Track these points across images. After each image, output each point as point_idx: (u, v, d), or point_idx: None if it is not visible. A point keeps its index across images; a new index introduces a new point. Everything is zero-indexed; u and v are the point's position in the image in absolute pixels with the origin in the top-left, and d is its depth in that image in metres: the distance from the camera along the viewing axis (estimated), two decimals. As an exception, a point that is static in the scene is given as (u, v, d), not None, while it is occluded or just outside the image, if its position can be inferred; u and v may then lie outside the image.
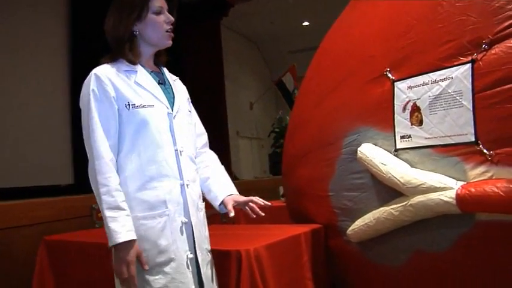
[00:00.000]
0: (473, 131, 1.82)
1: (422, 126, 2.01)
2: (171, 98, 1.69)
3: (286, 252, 2.15)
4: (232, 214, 1.72)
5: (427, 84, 2.00)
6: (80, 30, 4.91)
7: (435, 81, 1.97)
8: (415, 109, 2.04)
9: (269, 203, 1.80)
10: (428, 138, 1.98)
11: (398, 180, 1.98)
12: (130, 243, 1.48)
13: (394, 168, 2.02)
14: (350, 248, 2.36)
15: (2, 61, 4.31)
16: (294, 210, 2.92)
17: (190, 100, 1.88)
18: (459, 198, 1.79)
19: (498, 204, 1.70)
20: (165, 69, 1.80)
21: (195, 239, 1.62)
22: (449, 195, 1.82)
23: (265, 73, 11.18)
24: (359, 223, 2.23)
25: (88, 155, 1.56)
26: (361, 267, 2.36)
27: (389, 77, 2.17)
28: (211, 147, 1.97)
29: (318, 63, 2.89)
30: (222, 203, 1.79)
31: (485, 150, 1.79)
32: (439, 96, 1.94)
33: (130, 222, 1.50)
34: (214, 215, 2.35)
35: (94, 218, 3.05)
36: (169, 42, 1.70)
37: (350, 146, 2.32)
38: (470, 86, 1.83)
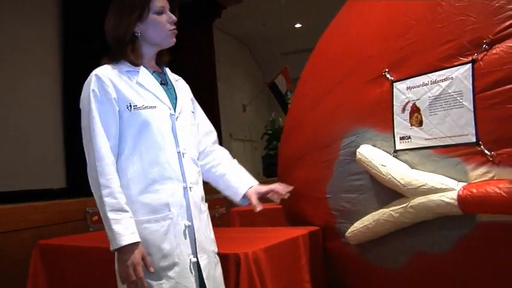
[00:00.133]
0: (474, 132, 1.81)
1: (422, 127, 1.99)
2: (173, 99, 1.66)
3: (284, 255, 2.13)
4: (259, 209, 1.72)
5: (426, 84, 1.98)
6: (72, 30, 4.86)
7: (435, 82, 1.95)
8: (415, 110, 2.02)
9: (290, 188, 1.83)
10: (429, 139, 1.96)
11: (399, 182, 1.97)
12: (134, 245, 1.45)
13: (394, 169, 2.00)
14: (348, 250, 2.34)
15: (-10, 62, 4.26)
16: (291, 212, 2.89)
17: (194, 99, 1.86)
18: (461, 199, 1.78)
19: (500, 205, 1.68)
20: (167, 69, 1.77)
21: (197, 243, 1.59)
22: (450, 197, 1.80)
23: (257, 75, 11.17)
24: (358, 225, 2.21)
25: (87, 156, 1.53)
26: (360, 269, 2.34)
27: (388, 78, 2.16)
28: None
29: (313, 64, 2.87)
30: (245, 196, 1.78)
31: (486, 151, 1.78)
32: (439, 97, 1.93)
33: (134, 225, 1.47)
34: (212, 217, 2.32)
35: (88, 222, 3.02)
36: (173, 41, 1.67)
37: (348, 147, 2.30)
38: (470, 87, 1.82)
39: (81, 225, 3.17)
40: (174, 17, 1.65)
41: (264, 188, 1.80)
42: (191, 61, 7.59)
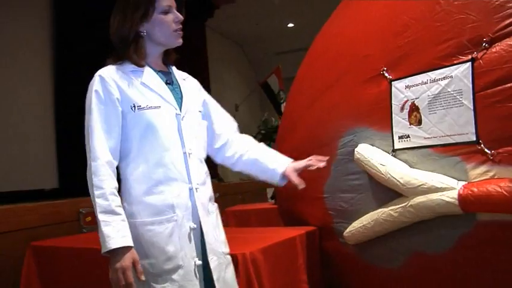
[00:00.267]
0: (474, 130, 1.80)
1: (421, 126, 1.98)
2: (179, 99, 1.63)
3: (281, 255, 2.12)
4: (302, 186, 1.68)
5: (425, 83, 1.97)
6: (64, 32, 4.82)
7: (434, 80, 1.94)
8: (414, 109, 2.01)
9: (326, 158, 1.81)
10: (428, 138, 1.95)
11: (398, 181, 1.95)
12: (125, 249, 1.40)
13: (393, 168, 1.99)
14: (346, 250, 2.33)
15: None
16: (287, 212, 2.88)
17: (206, 94, 1.82)
18: (461, 198, 1.77)
19: (502, 204, 1.68)
20: (174, 68, 1.74)
21: (207, 245, 1.55)
22: (451, 196, 1.79)
23: (250, 75, 11.14)
24: (356, 225, 2.20)
25: (87, 157, 1.50)
26: (358, 269, 2.33)
27: (386, 77, 2.15)
28: None
29: (309, 63, 2.86)
30: (284, 176, 1.75)
31: (486, 150, 1.77)
32: (439, 96, 1.92)
33: (126, 228, 1.43)
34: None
35: (81, 223, 2.98)
36: (179, 41, 1.64)
37: (346, 146, 2.28)
38: (470, 85, 1.81)
39: (74, 226, 3.12)
40: (180, 16, 1.62)
41: (302, 164, 1.77)
42: (183, 61, 7.56)
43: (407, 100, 2.04)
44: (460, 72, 1.85)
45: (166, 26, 1.58)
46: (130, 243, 1.41)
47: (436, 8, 2.00)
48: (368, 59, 2.27)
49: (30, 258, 2.53)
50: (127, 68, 1.57)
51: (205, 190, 1.62)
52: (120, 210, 1.44)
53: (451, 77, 1.88)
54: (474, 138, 1.80)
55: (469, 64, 1.83)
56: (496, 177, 1.75)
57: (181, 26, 1.62)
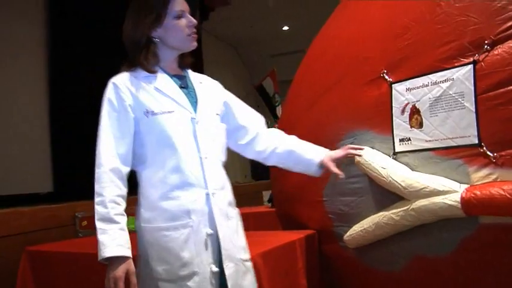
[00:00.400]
0: (476, 133, 1.79)
1: (422, 129, 1.97)
2: (194, 102, 1.60)
3: (281, 259, 2.10)
4: (342, 176, 1.67)
5: (426, 86, 1.96)
6: (58, 35, 4.79)
7: (435, 83, 1.93)
8: (415, 111, 2.00)
9: (362, 148, 1.84)
10: (429, 140, 1.94)
11: (400, 184, 1.94)
12: (120, 258, 1.38)
13: (395, 171, 1.97)
14: (346, 254, 2.31)
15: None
16: (285, 215, 2.86)
17: (228, 94, 1.80)
18: (464, 201, 1.75)
19: (505, 207, 1.66)
20: (190, 72, 1.72)
21: (222, 251, 1.51)
22: (453, 199, 1.78)
23: (245, 77, 11.13)
24: (357, 228, 2.18)
25: None
26: (358, 272, 2.31)
27: (386, 79, 2.13)
28: None
29: (308, 65, 2.85)
30: (321, 166, 1.75)
31: (489, 153, 1.76)
32: (440, 98, 1.91)
33: (124, 237, 1.41)
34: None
35: (77, 227, 2.94)
36: (194, 45, 1.62)
37: (346, 149, 2.26)
38: (472, 88, 1.80)
39: (70, 230, 3.09)
40: (194, 21, 1.60)
41: (340, 153, 1.75)
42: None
43: (408, 103, 2.03)
44: (462, 75, 1.84)
45: (179, 30, 1.56)
46: (125, 252, 1.39)
47: (436, 10, 1.99)
48: (368, 61, 2.26)
49: (25, 263, 2.50)
50: (140, 73, 1.56)
51: (224, 195, 1.59)
52: (120, 218, 1.42)
53: (453, 79, 1.87)
54: (476, 141, 1.79)
55: (470, 66, 1.82)
56: (498, 180, 1.74)
57: (195, 30, 1.60)
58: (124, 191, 1.47)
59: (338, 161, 1.74)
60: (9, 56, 4.32)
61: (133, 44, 1.56)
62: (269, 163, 1.84)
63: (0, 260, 2.82)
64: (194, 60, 1.71)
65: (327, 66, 2.57)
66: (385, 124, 2.11)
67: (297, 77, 2.91)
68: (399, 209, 1.97)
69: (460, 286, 1.94)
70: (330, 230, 2.38)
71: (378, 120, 2.15)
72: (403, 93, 2.05)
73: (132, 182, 1.54)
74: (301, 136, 2.57)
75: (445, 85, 1.90)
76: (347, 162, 2.24)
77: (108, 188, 1.43)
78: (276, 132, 1.87)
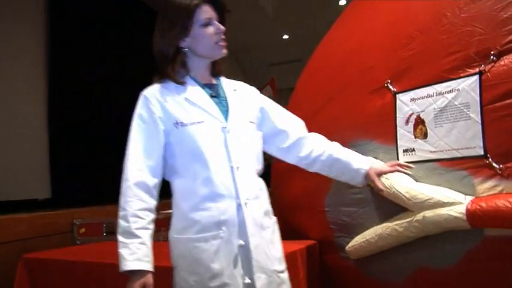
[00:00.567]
0: (481, 144, 1.77)
1: (427, 140, 1.95)
2: (225, 111, 1.58)
3: (282, 270, 2.06)
4: (384, 190, 1.76)
5: (431, 96, 1.94)
6: (57, 38, 4.79)
7: (440, 93, 1.91)
8: (419, 122, 1.98)
9: (412, 167, 1.92)
10: (434, 151, 1.92)
11: (404, 195, 1.91)
12: (138, 272, 1.40)
13: (399, 182, 1.94)
14: (347, 265, 2.28)
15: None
16: (285, 224, 2.82)
17: (264, 99, 1.79)
18: (469, 213, 1.73)
19: (511, 220, 1.64)
20: (223, 79, 1.70)
21: (253, 262, 1.48)
22: (458, 211, 1.75)
23: (244, 86, 11.16)
24: (359, 239, 2.15)
25: None
26: (360, 283, 2.29)
27: (390, 89, 2.12)
28: None
29: (310, 74, 2.83)
30: (367, 177, 1.79)
31: (494, 164, 1.73)
32: (445, 109, 1.89)
33: (143, 251, 1.41)
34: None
35: (75, 235, 2.92)
36: (223, 52, 1.61)
37: (348, 159, 2.24)
38: (478, 98, 1.78)
39: (68, 237, 3.06)
40: (222, 27, 1.58)
41: (387, 169, 1.83)
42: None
43: (413, 113, 2.01)
44: (468, 85, 1.83)
45: (207, 39, 1.55)
46: (143, 266, 1.40)
47: (442, 20, 1.98)
48: (372, 71, 2.24)
49: (22, 271, 2.47)
50: (170, 85, 1.56)
51: (259, 204, 1.57)
52: (141, 232, 1.43)
53: (458, 90, 1.85)
54: (482, 152, 1.77)
55: (476, 77, 1.80)
56: (504, 192, 1.71)
57: (223, 36, 1.58)
58: (151, 203, 1.48)
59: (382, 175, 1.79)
60: (9, 56, 4.31)
61: (162, 56, 1.56)
62: (312, 170, 1.85)
63: (-3, 267, 2.80)
64: (226, 68, 1.71)
65: (330, 75, 2.55)
66: (388, 134, 2.09)
67: (299, 86, 2.89)
68: (403, 221, 1.94)
69: (463, 299, 1.92)
70: (331, 240, 2.35)
71: (382, 130, 2.13)
72: (407, 103, 2.03)
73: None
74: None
75: (450, 95, 1.88)
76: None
77: (131, 203, 1.44)
78: (318, 138, 1.87)
